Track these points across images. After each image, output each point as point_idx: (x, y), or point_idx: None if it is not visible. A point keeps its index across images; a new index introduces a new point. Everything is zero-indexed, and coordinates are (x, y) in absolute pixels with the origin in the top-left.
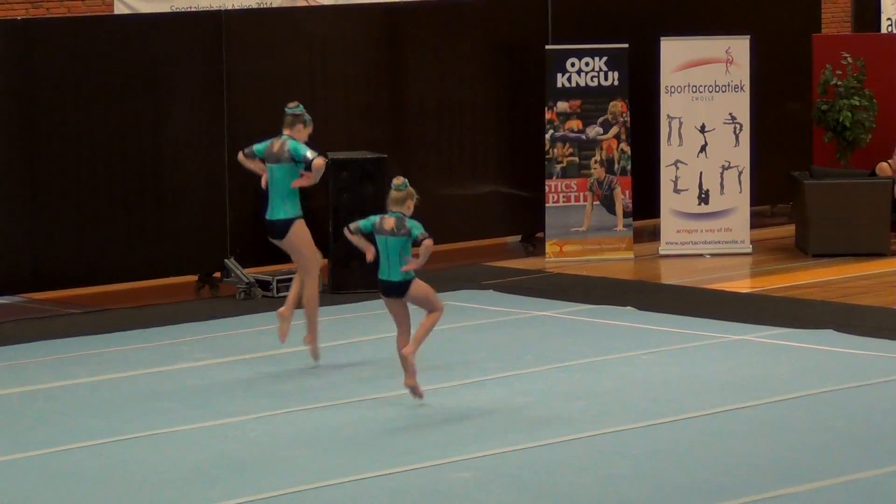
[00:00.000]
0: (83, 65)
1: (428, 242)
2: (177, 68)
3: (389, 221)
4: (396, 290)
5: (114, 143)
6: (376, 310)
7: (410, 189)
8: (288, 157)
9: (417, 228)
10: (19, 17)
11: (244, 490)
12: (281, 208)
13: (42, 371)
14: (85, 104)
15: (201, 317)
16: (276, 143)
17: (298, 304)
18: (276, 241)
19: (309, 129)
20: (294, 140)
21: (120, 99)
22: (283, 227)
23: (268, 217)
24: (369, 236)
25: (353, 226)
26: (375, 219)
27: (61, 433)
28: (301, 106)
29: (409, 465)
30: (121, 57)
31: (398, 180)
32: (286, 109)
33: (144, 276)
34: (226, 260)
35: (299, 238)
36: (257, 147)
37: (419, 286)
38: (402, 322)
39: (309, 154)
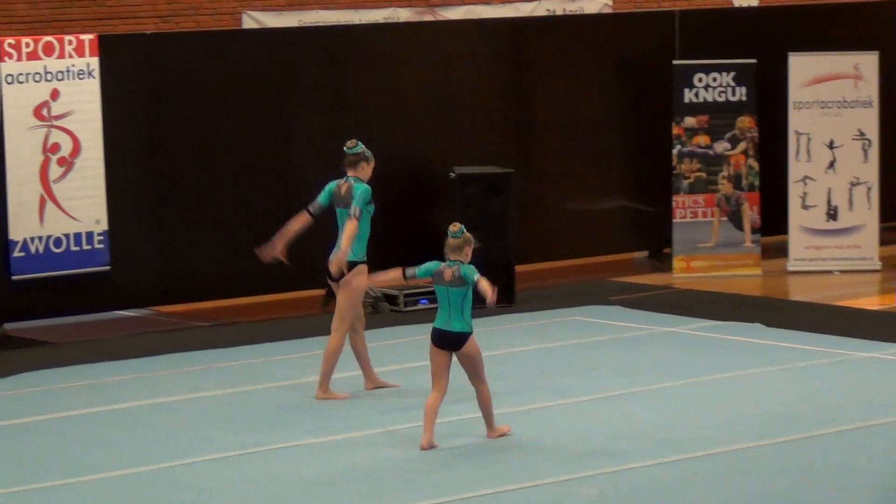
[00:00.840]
0: (212, 78)
1: (483, 284)
2: (303, 82)
3: (448, 272)
4: (453, 342)
5: (240, 156)
6: (502, 325)
7: (468, 235)
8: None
9: (471, 273)
10: (149, 31)
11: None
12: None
13: (170, 383)
14: (213, 117)
15: (328, 331)
16: (342, 186)
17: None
18: (331, 283)
19: (372, 165)
20: (359, 182)
21: (247, 112)
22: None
23: (330, 258)
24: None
25: (408, 272)
26: (435, 267)
27: (188, 445)
28: (360, 144)
29: (538, 480)
30: (249, 70)
31: (454, 227)
32: (345, 150)
33: (272, 289)
34: None
35: (354, 285)
36: (322, 197)
37: (474, 345)
38: (441, 378)
39: (353, 209)
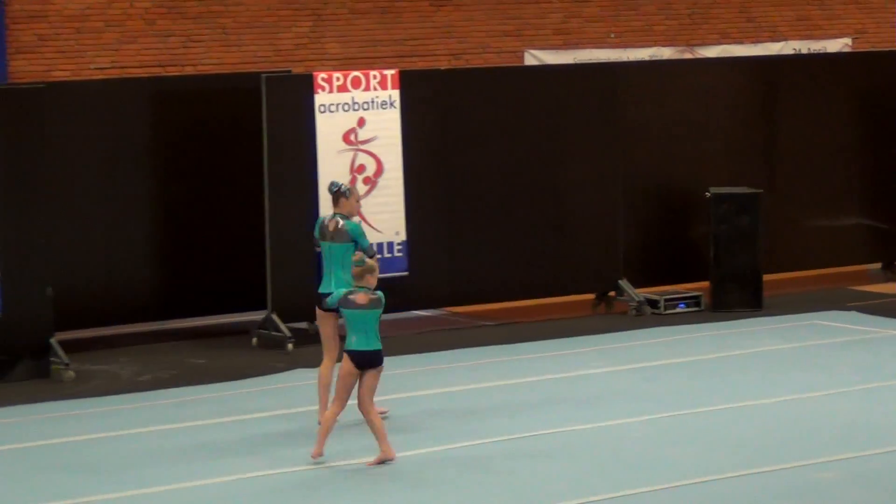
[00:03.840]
0: (496, 108)
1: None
2: (576, 112)
3: (363, 297)
4: (373, 359)
5: (520, 176)
6: (751, 327)
7: (367, 264)
8: (347, 237)
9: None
10: (442, 68)
11: (637, 483)
12: (331, 282)
13: (459, 375)
14: (496, 142)
15: (598, 330)
16: (330, 222)
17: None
18: (321, 311)
19: (353, 199)
20: (347, 219)
21: (526, 139)
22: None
23: (320, 290)
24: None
25: (323, 303)
26: (339, 296)
27: (474, 427)
28: (335, 182)
29: (779, 464)
30: (528, 102)
31: (355, 257)
32: (329, 189)
33: (548, 293)
34: (619, 281)
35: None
36: (315, 231)
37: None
38: (346, 396)
39: (369, 248)
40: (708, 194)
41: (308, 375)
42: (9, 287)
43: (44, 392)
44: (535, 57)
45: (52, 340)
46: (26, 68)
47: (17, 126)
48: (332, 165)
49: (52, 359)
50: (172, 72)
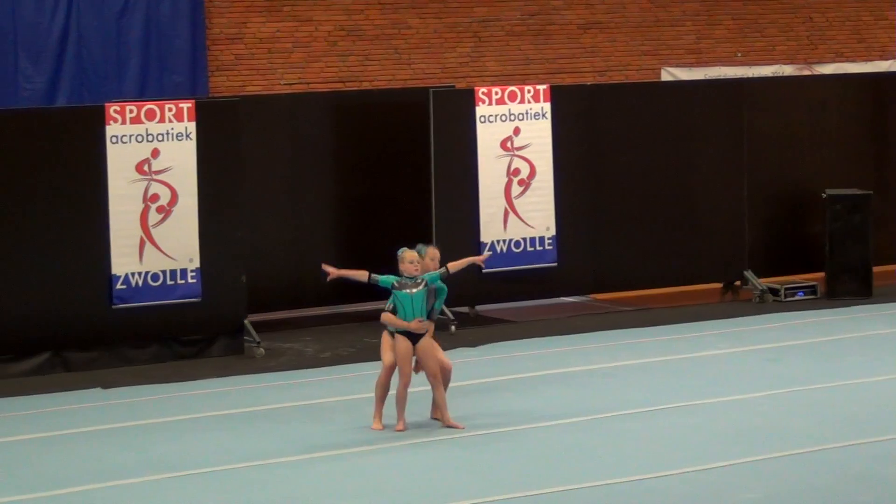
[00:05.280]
0: (636, 120)
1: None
2: (706, 123)
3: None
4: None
5: (656, 179)
6: (861, 313)
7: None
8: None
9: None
10: (589, 83)
11: (762, 450)
12: None
13: (602, 353)
14: (635, 150)
15: (725, 315)
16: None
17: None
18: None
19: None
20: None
21: (662, 146)
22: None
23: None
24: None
25: (372, 277)
26: (394, 279)
27: (616, 402)
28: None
29: (887, 435)
30: (664, 113)
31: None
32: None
33: (681, 282)
34: (744, 271)
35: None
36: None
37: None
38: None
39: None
40: (824, 195)
41: (468, 353)
42: (208, 275)
43: (238, 366)
44: (670, 73)
45: (246, 321)
46: (225, 84)
47: (216, 133)
48: (490, 169)
49: (245, 337)
50: (351, 87)
